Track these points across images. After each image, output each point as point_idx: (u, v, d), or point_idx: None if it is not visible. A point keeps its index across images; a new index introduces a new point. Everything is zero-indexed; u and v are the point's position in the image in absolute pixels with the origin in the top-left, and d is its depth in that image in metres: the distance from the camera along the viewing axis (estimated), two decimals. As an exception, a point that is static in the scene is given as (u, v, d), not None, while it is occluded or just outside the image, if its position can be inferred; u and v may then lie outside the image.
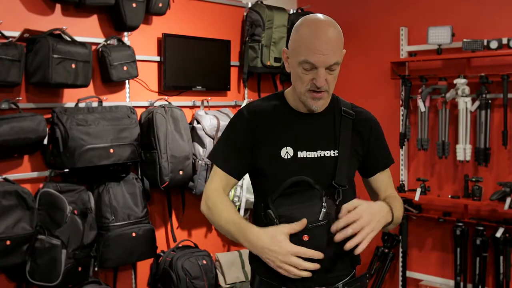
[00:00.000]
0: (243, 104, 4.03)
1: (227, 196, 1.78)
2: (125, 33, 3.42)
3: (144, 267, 3.59)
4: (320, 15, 1.69)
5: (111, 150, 3.03)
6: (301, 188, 1.63)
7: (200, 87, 3.79)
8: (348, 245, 1.54)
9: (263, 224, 1.64)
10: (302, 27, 1.65)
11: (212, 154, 1.81)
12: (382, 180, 1.86)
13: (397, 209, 1.74)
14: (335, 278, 1.71)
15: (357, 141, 1.78)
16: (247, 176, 1.86)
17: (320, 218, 1.57)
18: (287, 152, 1.69)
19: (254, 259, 1.75)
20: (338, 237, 1.55)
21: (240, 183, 3.68)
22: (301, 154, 1.69)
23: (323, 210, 1.58)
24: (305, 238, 1.56)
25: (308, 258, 1.56)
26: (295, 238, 1.56)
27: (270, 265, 1.59)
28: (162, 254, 3.56)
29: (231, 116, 3.90)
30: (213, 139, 3.59)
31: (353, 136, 1.74)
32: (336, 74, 1.67)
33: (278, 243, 1.55)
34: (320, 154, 1.71)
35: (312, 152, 1.70)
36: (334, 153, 1.73)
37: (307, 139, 1.71)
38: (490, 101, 3.64)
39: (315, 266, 1.56)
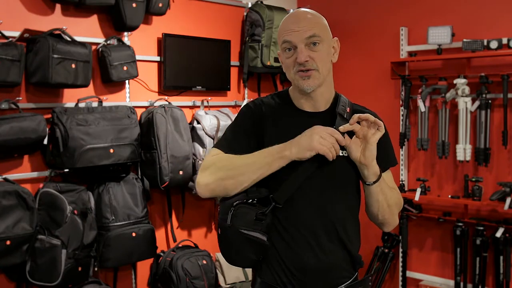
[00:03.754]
0: (243, 104, 4.03)
1: None
2: (125, 33, 3.42)
3: (144, 267, 3.59)
4: (303, 8, 1.74)
5: (111, 150, 3.03)
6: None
7: (200, 87, 3.79)
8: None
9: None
10: (283, 21, 1.72)
11: (216, 142, 1.81)
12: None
13: (392, 191, 1.74)
14: (337, 280, 1.70)
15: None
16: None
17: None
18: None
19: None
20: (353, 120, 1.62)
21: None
22: None
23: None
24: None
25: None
26: None
27: (323, 148, 1.58)
28: (162, 254, 3.56)
29: (231, 116, 3.92)
30: (213, 139, 3.59)
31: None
32: (323, 52, 1.65)
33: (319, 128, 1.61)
34: None
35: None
36: (344, 153, 1.69)
37: None
38: (490, 101, 3.64)
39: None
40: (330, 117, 1.71)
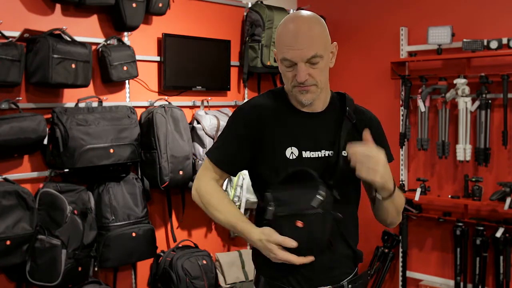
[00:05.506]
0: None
1: (220, 187, 1.80)
2: (125, 33, 3.42)
3: (144, 267, 3.59)
4: (301, 12, 1.69)
5: (111, 150, 3.03)
6: (304, 179, 1.63)
7: (200, 87, 3.79)
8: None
9: (261, 209, 1.68)
10: (280, 26, 1.67)
11: (209, 149, 1.82)
12: None
13: (400, 195, 1.74)
14: (339, 276, 1.72)
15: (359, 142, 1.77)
16: (247, 176, 1.86)
17: (313, 204, 1.56)
18: (292, 152, 1.68)
19: (259, 259, 1.75)
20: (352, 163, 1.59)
21: (240, 183, 3.68)
22: (305, 154, 1.68)
23: (318, 196, 1.57)
24: (299, 224, 1.56)
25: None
26: (288, 223, 1.57)
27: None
28: (162, 254, 3.56)
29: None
30: (213, 139, 3.59)
31: (354, 137, 1.73)
32: (322, 66, 1.64)
33: (268, 250, 1.61)
34: (324, 154, 1.70)
35: (316, 152, 1.69)
36: (342, 153, 1.70)
37: (311, 138, 1.70)
38: (490, 101, 3.64)
39: (307, 259, 1.60)
40: (331, 116, 1.73)
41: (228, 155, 1.75)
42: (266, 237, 1.60)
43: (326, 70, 1.68)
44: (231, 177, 3.58)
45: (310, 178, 1.63)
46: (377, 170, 1.57)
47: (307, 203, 1.56)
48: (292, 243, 1.57)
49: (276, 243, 1.58)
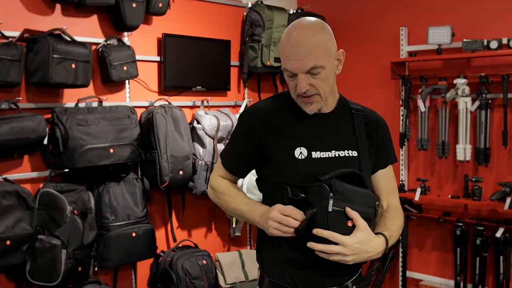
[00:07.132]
0: (243, 104, 4.03)
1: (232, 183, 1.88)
2: (125, 33, 3.42)
3: (144, 267, 3.59)
4: (306, 20, 1.68)
5: (111, 150, 3.03)
6: (351, 179, 1.66)
7: (200, 87, 3.79)
8: (315, 246, 1.59)
9: (301, 200, 1.66)
10: (284, 34, 1.67)
11: (223, 151, 1.90)
12: (383, 181, 1.86)
13: (394, 236, 1.74)
14: (344, 277, 1.72)
15: (368, 142, 1.79)
16: (247, 176, 1.88)
17: (374, 213, 1.64)
18: (301, 152, 1.69)
19: (264, 260, 1.76)
20: (316, 246, 1.59)
21: (240, 183, 3.68)
22: (315, 155, 1.69)
23: (378, 208, 1.65)
24: (350, 223, 1.59)
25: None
26: (340, 219, 1.58)
27: (268, 231, 1.66)
28: (162, 254, 3.57)
29: (231, 116, 3.93)
30: (213, 139, 3.59)
31: (367, 135, 1.77)
32: (324, 76, 1.64)
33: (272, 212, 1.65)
34: (335, 154, 1.71)
35: (326, 152, 1.70)
36: (352, 153, 1.73)
37: (320, 139, 1.71)
38: (490, 101, 3.64)
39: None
40: (339, 117, 1.76)
41: (235, 161, 1.83)
42: (278, 207, 1.64)
43: (330, 78, 1.68)
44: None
45: (355, 180, 1.67)
46: (366, 258, 1.63)
47: (365, 206, 1.62)
48: (299, 216, 1.61)
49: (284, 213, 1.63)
